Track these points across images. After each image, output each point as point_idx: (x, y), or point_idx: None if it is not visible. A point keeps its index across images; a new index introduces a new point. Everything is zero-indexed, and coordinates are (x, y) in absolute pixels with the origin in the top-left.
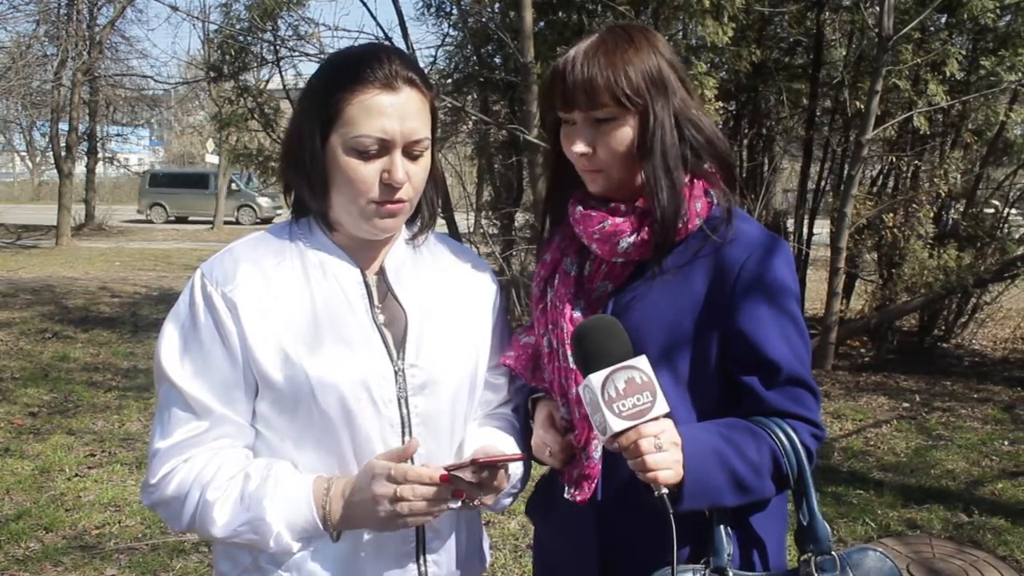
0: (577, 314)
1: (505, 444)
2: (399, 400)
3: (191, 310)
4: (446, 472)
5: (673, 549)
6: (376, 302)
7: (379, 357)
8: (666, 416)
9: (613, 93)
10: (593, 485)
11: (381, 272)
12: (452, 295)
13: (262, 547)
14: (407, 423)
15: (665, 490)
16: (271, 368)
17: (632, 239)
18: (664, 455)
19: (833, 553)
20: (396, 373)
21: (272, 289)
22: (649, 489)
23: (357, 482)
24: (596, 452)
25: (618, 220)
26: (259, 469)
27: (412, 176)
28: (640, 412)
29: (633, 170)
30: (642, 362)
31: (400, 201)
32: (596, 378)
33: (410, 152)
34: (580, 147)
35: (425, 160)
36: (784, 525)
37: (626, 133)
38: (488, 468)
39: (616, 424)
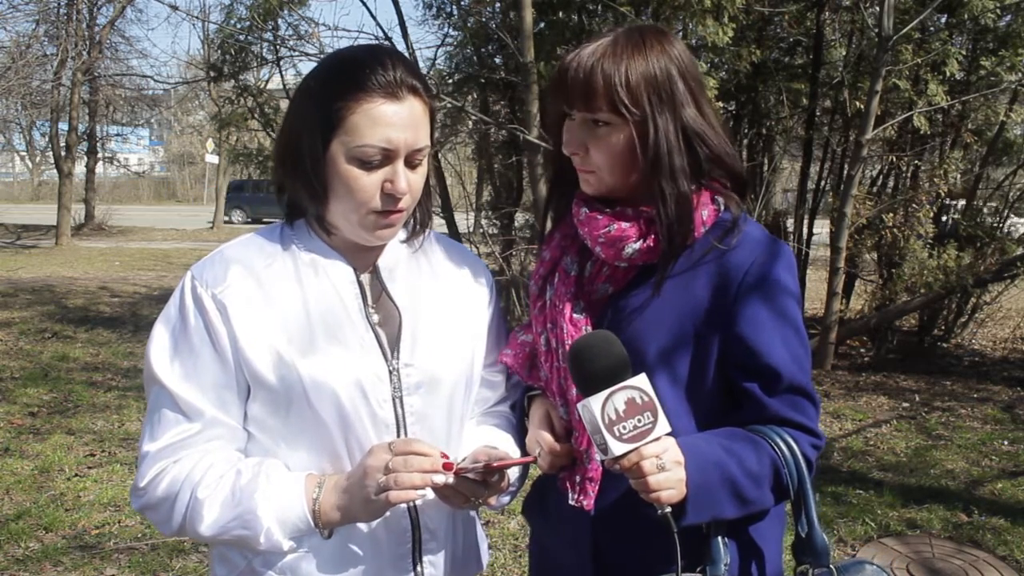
0: (577, 315)
1: (504, 443)
2: (394, 400)
3: (181, 312)
4: (451, 462)
5: (678, 567)
6: (370, 301)
7: (373, 357)
8: (668, 435)
9: (611, 99)
10: (596, 488)
11: (375, 271)
12: (447, 293)
13: (251, 543)
14: (402, 423)
15: (668, 509)
16: (263, 369)
17: (638, 245)
18: (667, 475)
19: (831, 566)
20: (391, 373)
21: (263, 290)
22: (651, 507)
23: (353, 469)
24: (597, 454)
25: (624, 225)
26: (250, 466)
27: (412, 185)
28: (641, 434)
29: (627, 176)
30: (642, 381)
31: (400, 211)
32: (595, 401)
33: (411, 161)
34: (571, 147)
35: (423, 168)
36: (782, 531)
37: (621, 139)
38: (498, 471)
39: (617, 448)
